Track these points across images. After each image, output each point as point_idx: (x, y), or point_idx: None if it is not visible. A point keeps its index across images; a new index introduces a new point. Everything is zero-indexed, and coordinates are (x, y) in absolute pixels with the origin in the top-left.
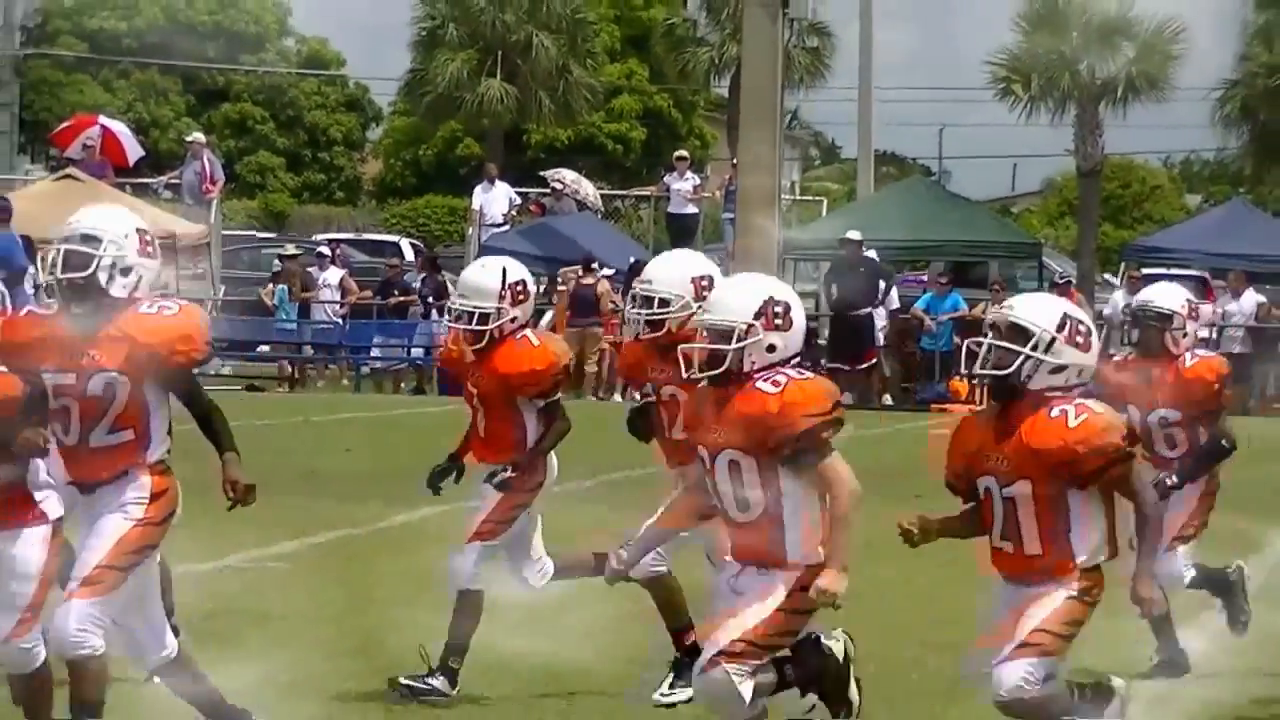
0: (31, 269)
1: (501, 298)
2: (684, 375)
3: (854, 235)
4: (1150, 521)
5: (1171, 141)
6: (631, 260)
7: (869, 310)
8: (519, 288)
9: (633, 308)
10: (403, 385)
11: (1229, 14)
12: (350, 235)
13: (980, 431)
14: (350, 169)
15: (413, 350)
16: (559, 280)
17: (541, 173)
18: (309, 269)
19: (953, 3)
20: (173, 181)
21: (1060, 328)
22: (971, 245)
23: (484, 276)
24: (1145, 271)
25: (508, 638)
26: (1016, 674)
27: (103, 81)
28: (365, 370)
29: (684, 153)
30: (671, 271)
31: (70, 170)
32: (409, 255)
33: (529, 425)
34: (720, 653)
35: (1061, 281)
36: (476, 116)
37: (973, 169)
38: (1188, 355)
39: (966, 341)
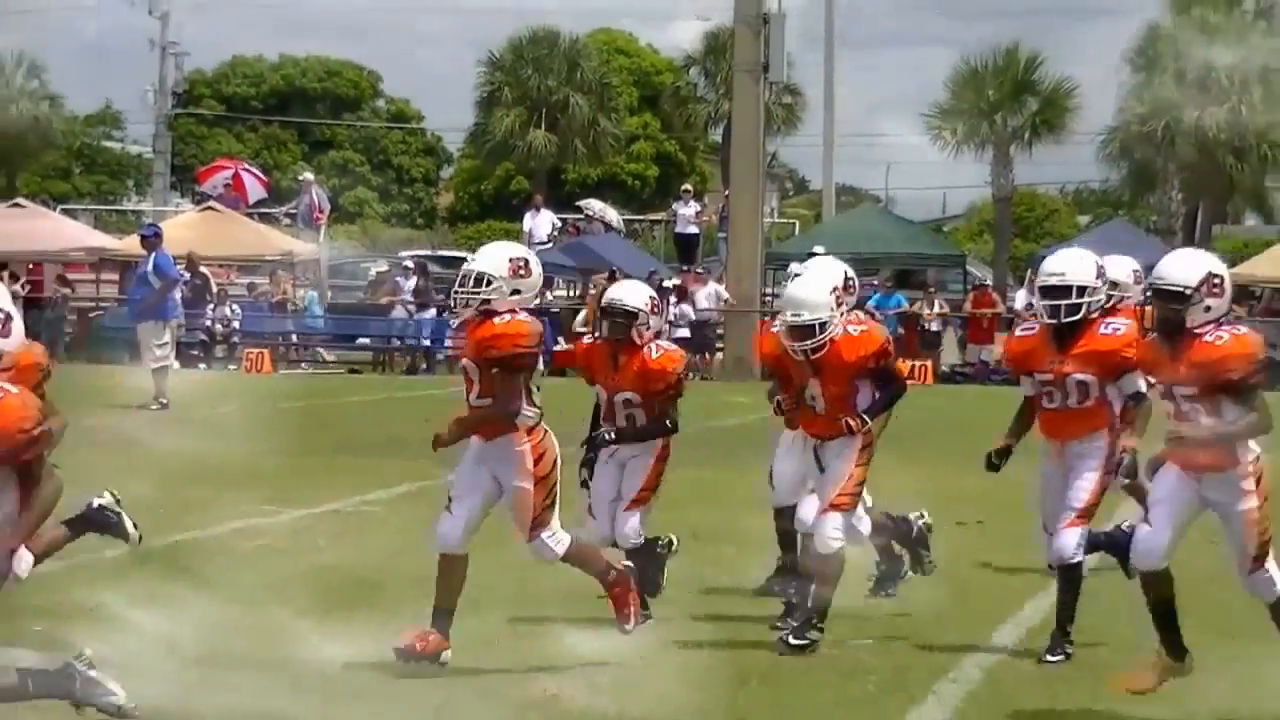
0: (182, 280)
1: None
2: None
3: (819, 250)
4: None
5: (1067, 174)
6: (649, 271)
7: None
8: None
9: None
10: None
11: (1110, 75)
12: (428, 252)
13: None
14: (428, 201)
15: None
16: (590, 285)
17: (577, 203)
18: (396, 279)
19: (896, 68)
20: (290, 211)
21: None
22: (911, 256)
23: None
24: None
25: (578, 690)
26: None
27: (235, 134)
28: (440, 357)
29: (688, 186)
30: None
31: (211, 203)
32: None
33: None
34: None
35: (980, 284)
36: (526, 159)
37: (912, 197)
38: (653, 347)
39: None
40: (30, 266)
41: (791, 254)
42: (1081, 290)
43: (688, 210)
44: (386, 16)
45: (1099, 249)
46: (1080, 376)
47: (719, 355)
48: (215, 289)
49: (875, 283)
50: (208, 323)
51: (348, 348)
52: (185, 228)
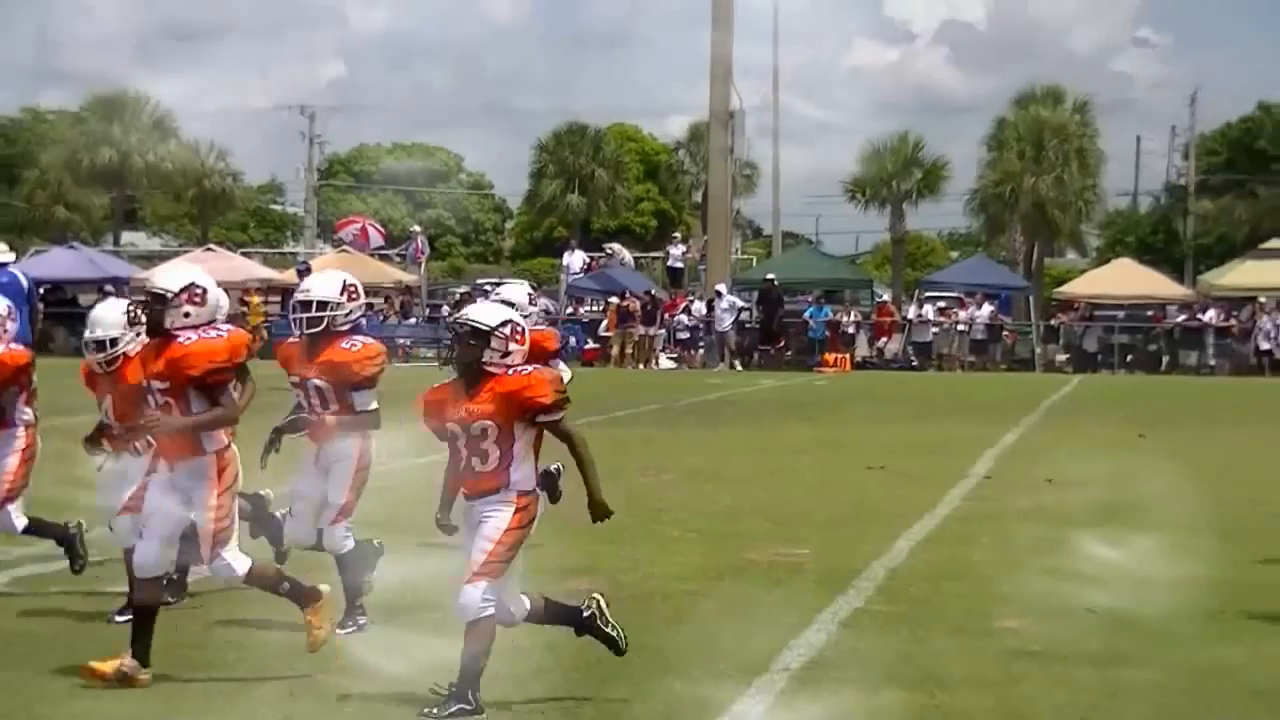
0: None
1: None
2: None
3: (770, 276)
4: None
5: (942, 223)
6: (645, 290)
7: (779, 316)
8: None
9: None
10: None
11: (972, 153)
12: (495, 280)
13: None
14: (496, 244)
15: None
16: (611, 303)
17: (602, 245)
18: (476, 300)
19: (823, 149)
20: (400, 253)
21: None
22: (834, 280)
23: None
24: (928, 294)
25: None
26: None
27: (361, 199)
28: None
29: (677, 233)
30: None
31: (345, 246)
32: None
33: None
34: None
35: (880, 300)
36: (564, 214)
37: (835, 239)
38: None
39: None
40: None
41: (751, 280)
42: (323, 305)
43: (677, 250)
44: (468, 115)
45: (965, 274)
46: (318, 382)
47: (699, 351)
48: None
49: (810, 299)
50: None
51: (440, 347)
52: (327, 264)
